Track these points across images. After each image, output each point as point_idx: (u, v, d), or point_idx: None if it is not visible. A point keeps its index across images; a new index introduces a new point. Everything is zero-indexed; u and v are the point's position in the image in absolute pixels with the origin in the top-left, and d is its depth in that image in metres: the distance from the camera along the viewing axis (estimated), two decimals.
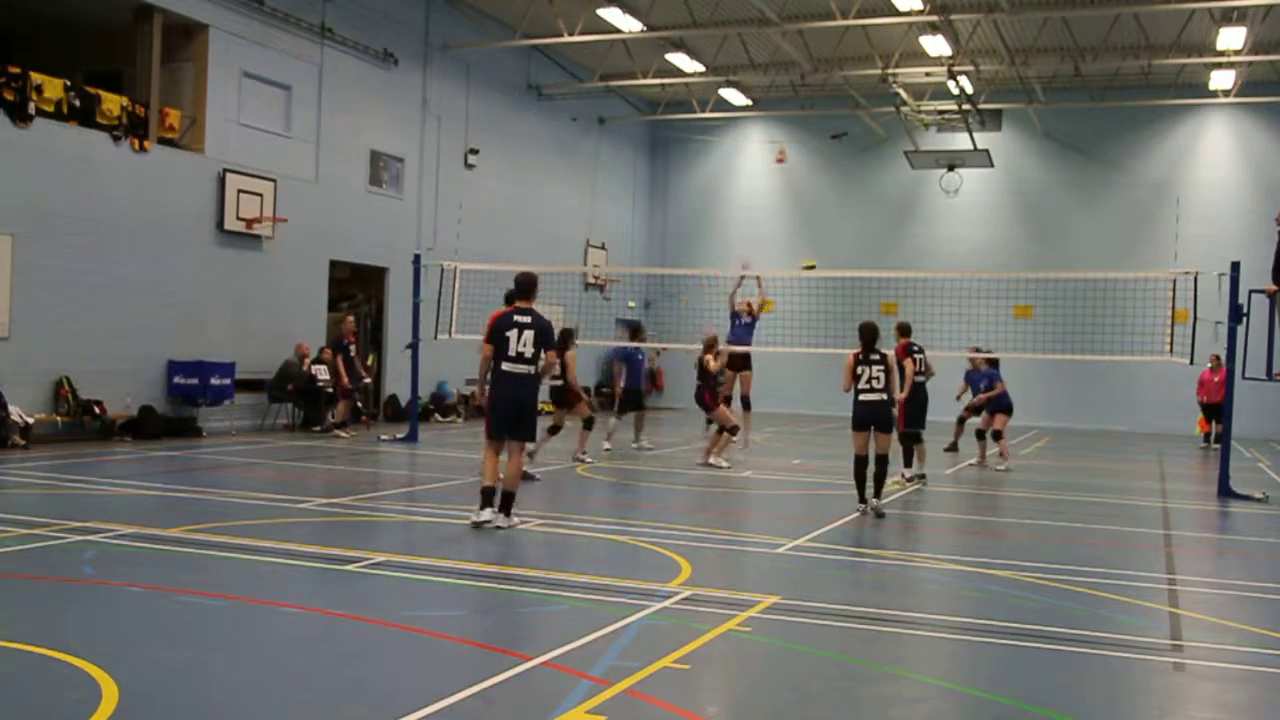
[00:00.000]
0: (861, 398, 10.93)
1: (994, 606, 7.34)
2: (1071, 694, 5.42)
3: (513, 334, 9.37)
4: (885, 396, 10.91)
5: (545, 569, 7.87)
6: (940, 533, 10.70)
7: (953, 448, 18.54)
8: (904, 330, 14.09)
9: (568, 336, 14.05)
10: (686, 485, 13.71)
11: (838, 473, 15.26)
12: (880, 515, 10.79)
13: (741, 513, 11.78)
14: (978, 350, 16.77)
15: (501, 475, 9.43)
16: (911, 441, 13.92)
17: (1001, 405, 16.39)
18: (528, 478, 12.15)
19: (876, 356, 10.94)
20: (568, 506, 9.85)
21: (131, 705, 4.70)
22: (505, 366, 9.37)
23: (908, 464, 13.89)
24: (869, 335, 11.03)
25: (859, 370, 10.93)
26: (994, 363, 16.56)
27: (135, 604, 6.62)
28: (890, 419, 11.02)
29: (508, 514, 9.33)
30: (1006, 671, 5.86)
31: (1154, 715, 5.35)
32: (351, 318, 19.32)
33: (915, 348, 14.00)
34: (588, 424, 15.31)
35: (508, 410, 9.38)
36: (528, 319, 9.43)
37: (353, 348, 18.49)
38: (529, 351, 9.39)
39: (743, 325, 16.15)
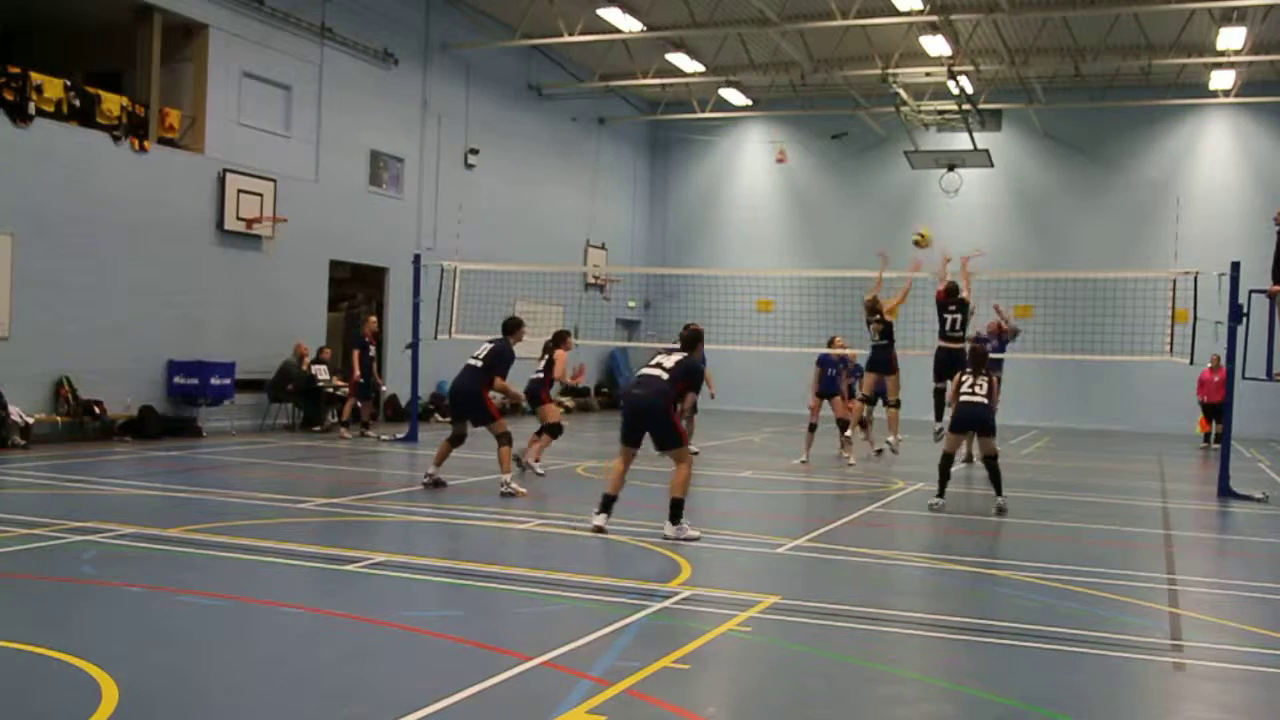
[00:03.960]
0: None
1: (994, 606, 7.34)
2: (1071, 694, 5.41)
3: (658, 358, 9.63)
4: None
5: (545, 569, 7.86)
6: (940, 532, 10.70)
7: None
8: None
9: (563, 336, 14.08)
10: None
11: (838, 473, 15.27)
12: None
13: (741, 513, 11.77)
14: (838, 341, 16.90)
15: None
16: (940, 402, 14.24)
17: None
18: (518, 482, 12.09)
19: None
20: (567, 506, 9.84)
21: (131, 705, 4.70)
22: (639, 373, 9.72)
23: (938, 417, 14.24)
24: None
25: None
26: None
27: (135, 604, 6.61)
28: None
29: (675, 522, 9.18)
30: (1006, 671, 5.86)
31: (1154, 715, 5.35)
32: (374, 318, 19.38)
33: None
34: (552, 431, 13.46)
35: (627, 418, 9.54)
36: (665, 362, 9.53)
37: (372, 349, 18.53)
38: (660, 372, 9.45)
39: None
